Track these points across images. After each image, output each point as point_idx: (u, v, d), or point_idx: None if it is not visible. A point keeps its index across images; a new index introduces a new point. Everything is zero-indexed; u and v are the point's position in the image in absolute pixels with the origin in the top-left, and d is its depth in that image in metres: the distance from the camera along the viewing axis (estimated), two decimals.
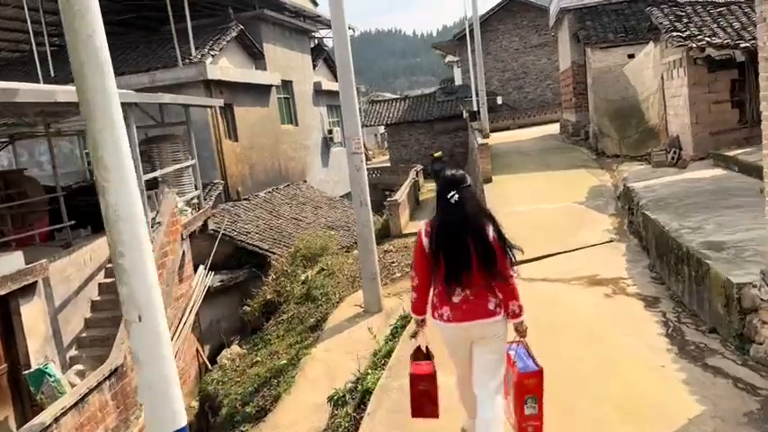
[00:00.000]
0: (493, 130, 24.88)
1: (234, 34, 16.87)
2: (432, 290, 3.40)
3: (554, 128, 25.77)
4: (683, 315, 5.55)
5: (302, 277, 10.76)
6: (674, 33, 11.57)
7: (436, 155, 23.25)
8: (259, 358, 8.42)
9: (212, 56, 15.77)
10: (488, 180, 14.44)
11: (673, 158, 12.90)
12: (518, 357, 3.34)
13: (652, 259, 7.38)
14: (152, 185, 10.59)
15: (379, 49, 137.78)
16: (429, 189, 22.22)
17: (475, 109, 25.58)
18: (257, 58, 18.35)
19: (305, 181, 20.56)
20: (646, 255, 7.83)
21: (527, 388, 3.26)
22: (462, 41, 31.65)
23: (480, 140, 16.10)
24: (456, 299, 3.27)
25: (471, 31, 24.93)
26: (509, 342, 3.40)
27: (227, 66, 16.55)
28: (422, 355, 3.51)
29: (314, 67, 22.91)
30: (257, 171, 17.57)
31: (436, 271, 3.29)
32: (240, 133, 16.85)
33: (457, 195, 3.24)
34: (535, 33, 33.44)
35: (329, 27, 26.63)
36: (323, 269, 10.53)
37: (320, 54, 23.52)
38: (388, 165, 33.17)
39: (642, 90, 15.22)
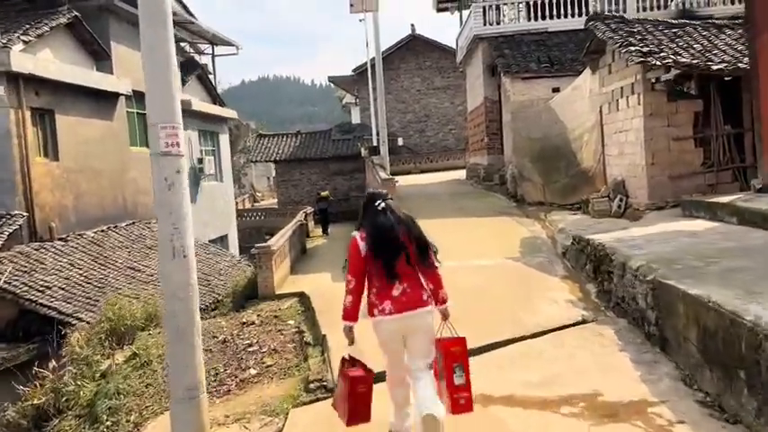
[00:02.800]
0: (393, 174, 22.20)
1: (64, 21, 12.68)
2: (367, 292, 3.60)
3: (459, 174, 23.80)
4: None
5: (103, 366, 6.67)
6: (632, 48, 9.16)
7: (323, 194, 20.67)
8: None
9: (25, 42, 11.50)
10: None
11: (619, 207, 10.39)
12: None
13: (686, 365, 4.30)
14: None
15: (276, 96, 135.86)
16: (318, 235, 18.73)
17: (374, 145, 22.78)
18: (100, 58, 14.17)
19: None
20: (658, 350, 4.81)
21: (454, 355, 3.48)
22: (362, 76, 29.10)
23: (384, 175, 12.96)
24: (395, 292, 3.52)
25: (373, 66, 22.35)
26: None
27: (48, 59, 12.28)
28: (349, 364, 3.60)
29: (184, 83, 18.91)
30: (88, 203, 13.13)
31: (375, 271, 3.53)
32: (64, 150, 12.46)
33: (383, 203, 3.64)
34: (438, 75, 31.67)
35: (208, 42, 23.11)
36: (135, 355, 6.51)
37: (193, 69, 19.64)
38: (276, 207, 29.38)
39: (574, 127, 12.85)
